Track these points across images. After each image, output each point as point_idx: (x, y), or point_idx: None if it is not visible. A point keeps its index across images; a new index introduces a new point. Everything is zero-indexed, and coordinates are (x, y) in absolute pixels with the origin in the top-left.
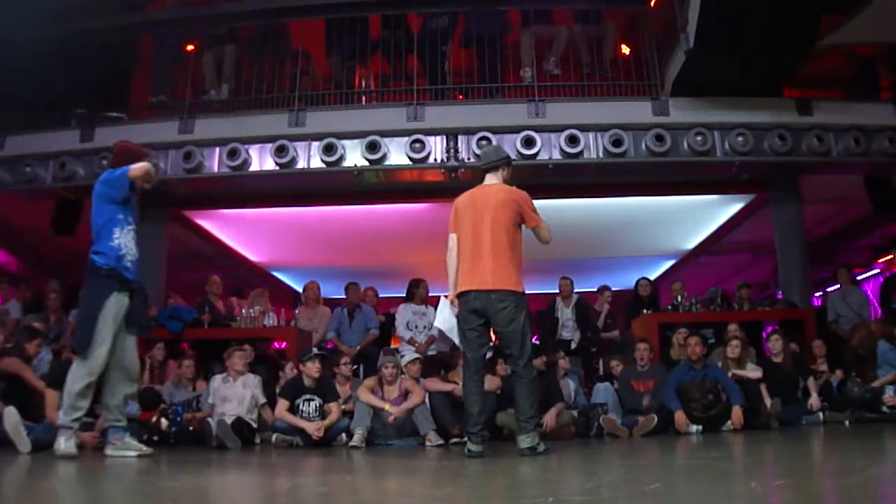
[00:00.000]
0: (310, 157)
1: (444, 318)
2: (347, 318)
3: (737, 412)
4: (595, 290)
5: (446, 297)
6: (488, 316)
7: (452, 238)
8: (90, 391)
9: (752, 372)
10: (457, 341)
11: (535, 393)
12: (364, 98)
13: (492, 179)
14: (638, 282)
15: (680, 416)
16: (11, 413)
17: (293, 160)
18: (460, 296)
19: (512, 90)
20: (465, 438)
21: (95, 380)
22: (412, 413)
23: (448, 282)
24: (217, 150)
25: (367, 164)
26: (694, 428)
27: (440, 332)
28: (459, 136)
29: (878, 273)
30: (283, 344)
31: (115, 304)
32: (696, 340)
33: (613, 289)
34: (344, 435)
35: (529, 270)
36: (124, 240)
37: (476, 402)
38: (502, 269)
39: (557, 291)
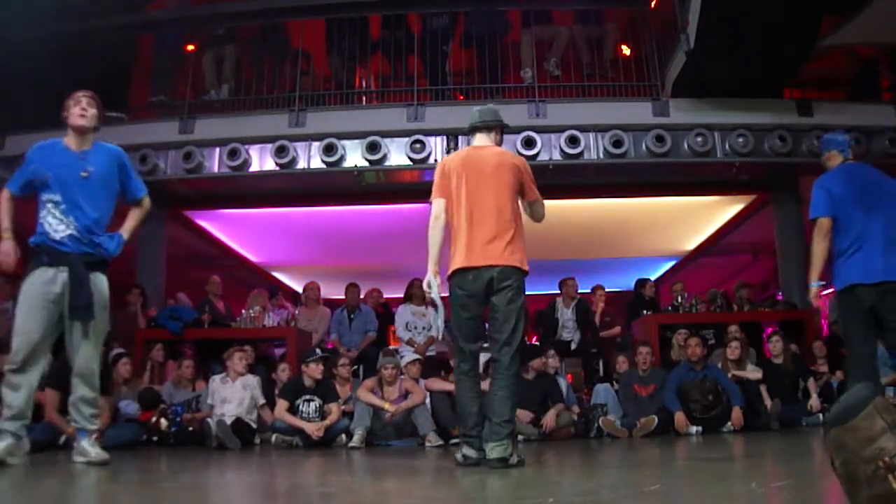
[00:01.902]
0: (310, 158)
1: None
2: (347, 320)
3: (737, 413)
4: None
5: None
6: (489, 294)
7: (439, 203)
8: (18, 388)
9: (752, 373)
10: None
11: (516, 394)
12: (364, 98)
13: (484, 141)
14: (644, 283)
15: (680, 417)
16: None
17: (293, 160)
18: (455, 275)
19: (512, 91)
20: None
21: (17, 374)
22: (412, 413)
23: (429, 255)
24: (217, 150)
25: (367, 164)
26: (694, 429)
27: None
28: (460, 137)
29: None
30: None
31: (39, 280)
32: (696, 341)
33: (614, 289)
34: (344, 435)
35: (530, 270)
36: (47, 217)
37: (474, 401)
38: (508, 242)
39: (558, 292)
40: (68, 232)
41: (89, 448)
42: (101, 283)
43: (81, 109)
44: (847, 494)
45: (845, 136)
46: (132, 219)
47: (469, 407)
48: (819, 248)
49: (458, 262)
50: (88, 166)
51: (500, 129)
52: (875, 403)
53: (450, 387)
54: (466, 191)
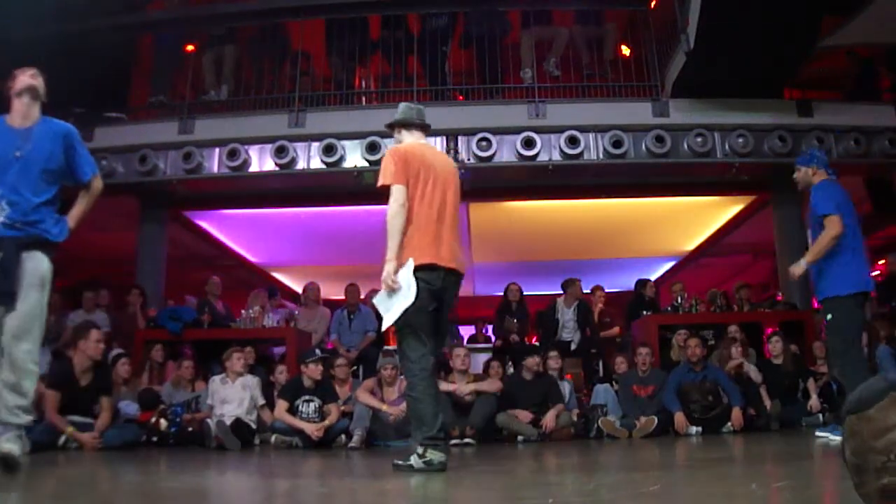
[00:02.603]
0: (310, 158)
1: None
2: (347, 320)
3: (737, 413)
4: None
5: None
6: (442, 298)
7: (403, 190)
8: None
9: (753, 373)
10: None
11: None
12: (364, 99)
13: (426, 141)
14: (644, 283)
15: (679, 418)
16: None
17: (293, 161)
18: (422, 268)
19: (512, 91)
20: (424, 448)
21: None
22: None
23: (394, 244)
24: (217, 150)
25: (367, 164)
26: (693, 429)
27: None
28: (459, 137)
29: (878, 275)
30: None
31: None
32: (696, 342)
33: (614, 290)
34: (343, 436)
35: (530, 270)
36: None
37: (435, 402)
38: (460, 247)
39: (557, 292)
40: (0, 219)
41: (2, 442)
42: (37, 260)
43: (31, 74)
44: (855, 485)
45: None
46: (80, 205)
47: (435, 407)
48: (831, 242)
49: (428, 256)
50: (27, 145)
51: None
52: (892, 396)
53: (451, 387)
54: (433, 187)
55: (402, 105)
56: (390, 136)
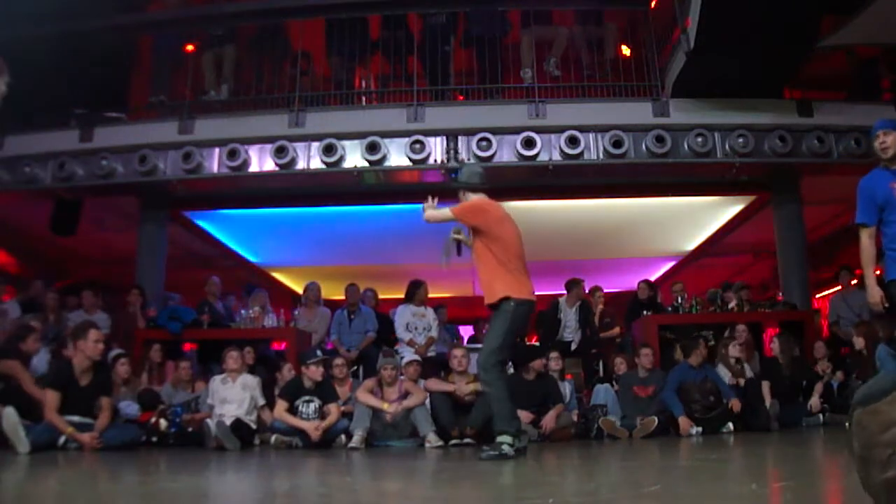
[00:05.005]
0: (310, 158)
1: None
2: (347, 320)
3: (735, 402)
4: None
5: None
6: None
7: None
8: None
9: (748, 370)
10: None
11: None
12: (364, 98)
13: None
14: (638, 285)
15: (684, 421)
16: (10, 413)
17: (293, 161)
18: (523, 303)
19: (512, 91)
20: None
21: None
22: (412, 414)
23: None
24: (217, 150)
25: (367, 164)
26: (694, 429)
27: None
28: (459, 137)
29: (879, 275)
30: (283, 345)
31: None
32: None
33: (613, 290)
34: (343, 436)
35: (530, 270)
36: None
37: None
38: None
39: (561, 292)
40: None
41: None
42: None
43: None
44: (861, 477)
45: None
46: None
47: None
48: None
49: (528, 293)
50: None
51: None
52: None
53: (449, 387)
54: (516, 239)
55: (471, 169)
56: (390, 136)
